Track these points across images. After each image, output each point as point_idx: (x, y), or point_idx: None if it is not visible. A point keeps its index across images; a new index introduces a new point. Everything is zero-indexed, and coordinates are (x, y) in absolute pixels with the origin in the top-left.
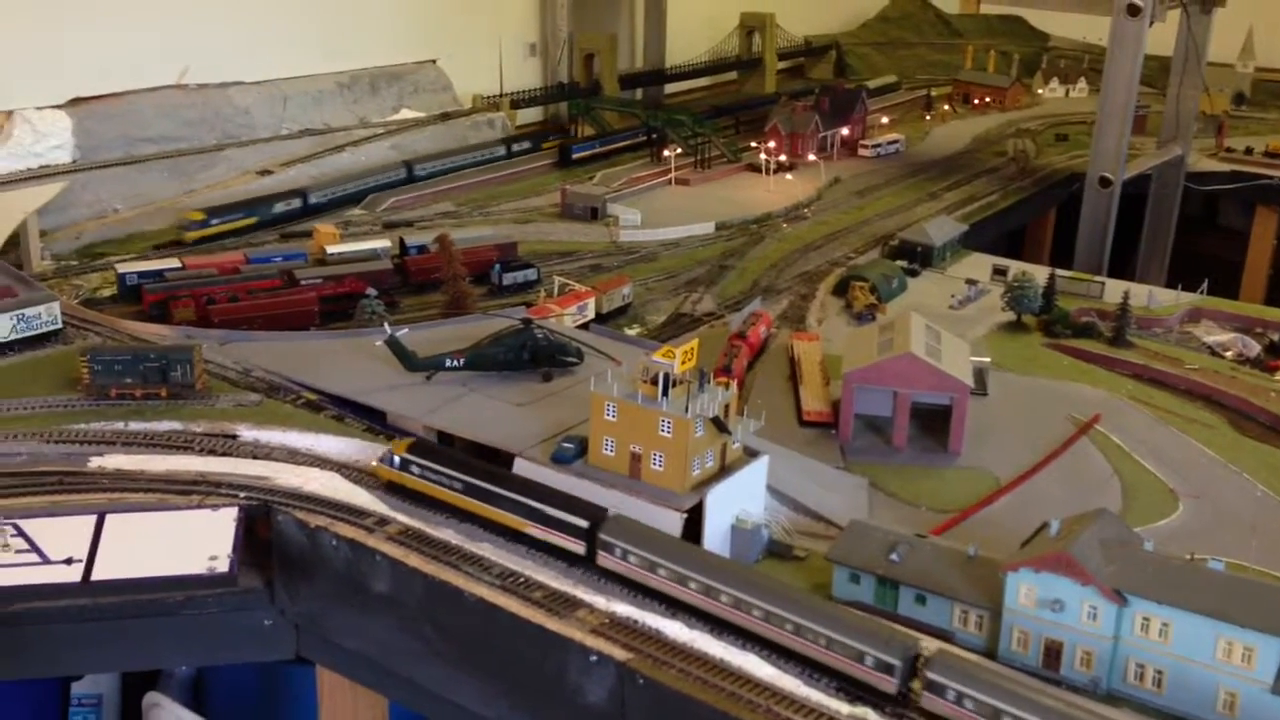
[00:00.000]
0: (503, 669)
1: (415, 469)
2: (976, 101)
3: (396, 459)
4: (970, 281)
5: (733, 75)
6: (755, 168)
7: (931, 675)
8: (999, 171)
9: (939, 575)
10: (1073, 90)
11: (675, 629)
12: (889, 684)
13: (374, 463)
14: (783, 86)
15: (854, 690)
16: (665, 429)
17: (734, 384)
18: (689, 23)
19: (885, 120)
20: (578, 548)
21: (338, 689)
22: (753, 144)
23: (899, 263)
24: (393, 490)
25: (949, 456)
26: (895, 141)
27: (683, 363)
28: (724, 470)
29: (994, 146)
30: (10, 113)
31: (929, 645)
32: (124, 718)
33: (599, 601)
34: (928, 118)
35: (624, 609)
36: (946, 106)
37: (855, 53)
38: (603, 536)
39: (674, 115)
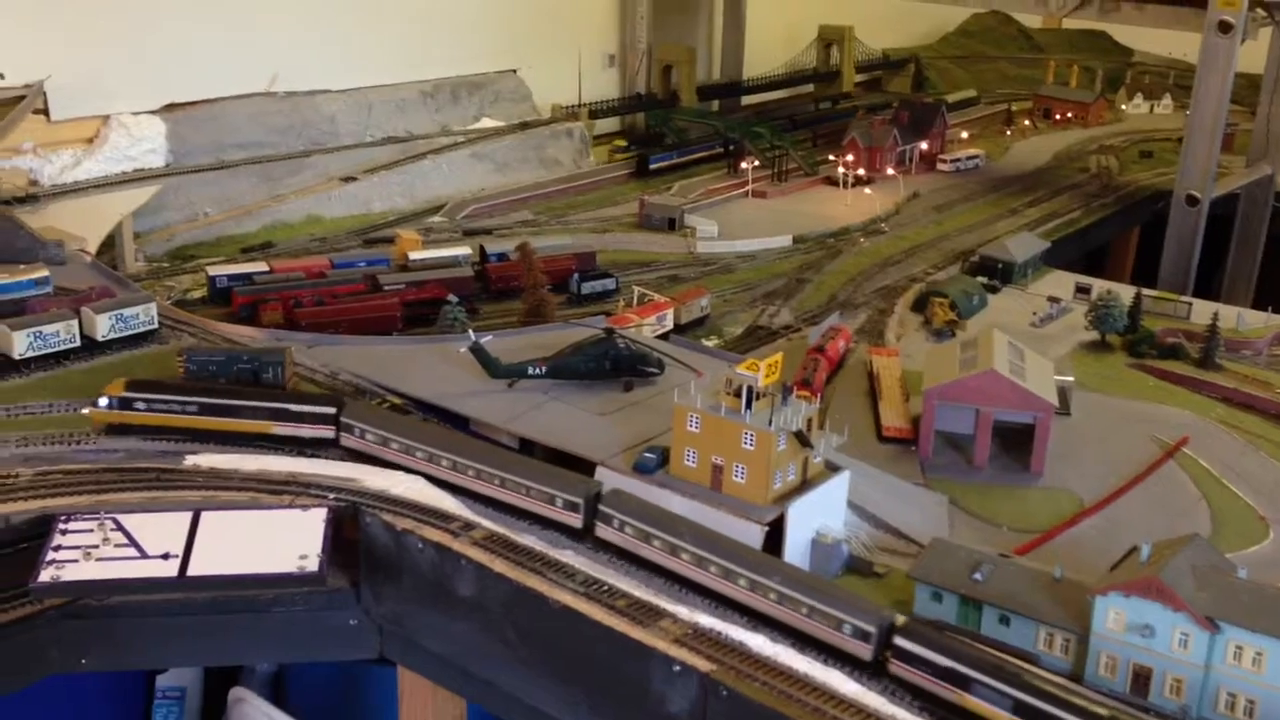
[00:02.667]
0: (584, 675)
1: (140, 404)
2: (1058, 117)
3: (113, 400)
4: (1053, 299)
5: (809, 88)
6: (832, 181)
7: (900, 643)
8: (1081, 188)
9: (1024, 596)
10: (1157, 106)
11: (759, 642)
12: (865, 650)
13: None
14: (860, 100)
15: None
16: (748, 442)
17: (816, 398)
18: (767, 35)
19: (965, 135)
20: None
21: (418, 690)
22: (830, 157)
23: (979, 279)
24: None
25: (1031, 476)
26: (975, 157)
27: (767, 376)
28: (805, 484)
29: (1076, 163)
30: (107, 117)
31: (901, 617)
32: (204, 712)
33: (681, 612)
34: (1008, 133)
35: (707, 620)
36: (1027, 122)
37: (934, 66)
38: None
39: (752, 127)
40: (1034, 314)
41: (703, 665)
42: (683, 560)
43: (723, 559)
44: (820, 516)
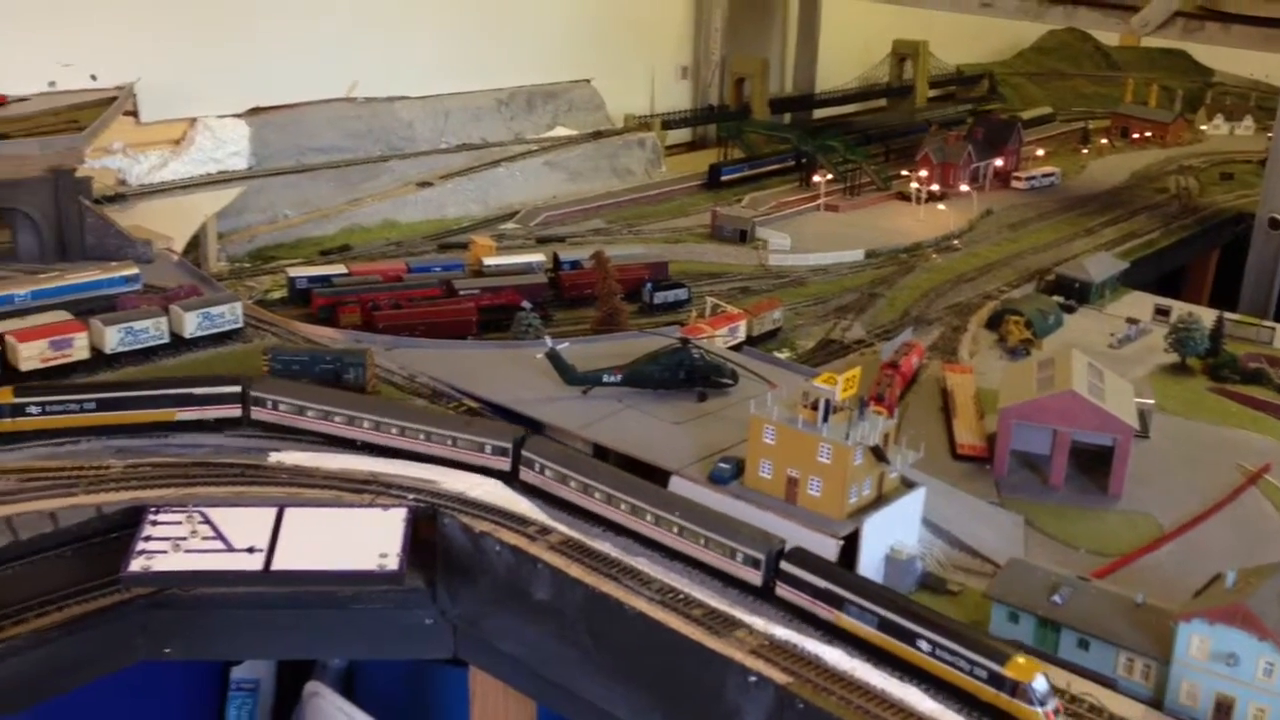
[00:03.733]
0: (658, 683)
1: (34, 409)
2: (1136, 136)
3: (4, 408)
4: (1131, 320)
5: (882, 102)
6: (905, 196)
7: (786, 568)
8: (1160, 209)
9: (1104, 620)
10: (1238, 128)
11: (835, 656)
12: (755, 576)
13: None
14: (933, 115)
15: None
16: (824, 455)
17: (895, 413)
18: (841, 48)
19: (1040, 152)
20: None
21: (490, 691)
22: (903, 172)
23: (1055, 298)
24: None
25: (1108, 499)
26: (1051, 174)
27: (844, 390)
28: (881, 499)
29: (1155, 183)
30: (194, 120)
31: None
32: (276, 705)
33: (757, 623)
34: (1084, 151)
35: (783, 633)
36: (1104, 140)
37: (1009, 83)
38: None
39: (826, 141)
40: (1111, 335)
41: (779, 677)
42: (596, 499)
43: (631, 497)
44: (895, 532)
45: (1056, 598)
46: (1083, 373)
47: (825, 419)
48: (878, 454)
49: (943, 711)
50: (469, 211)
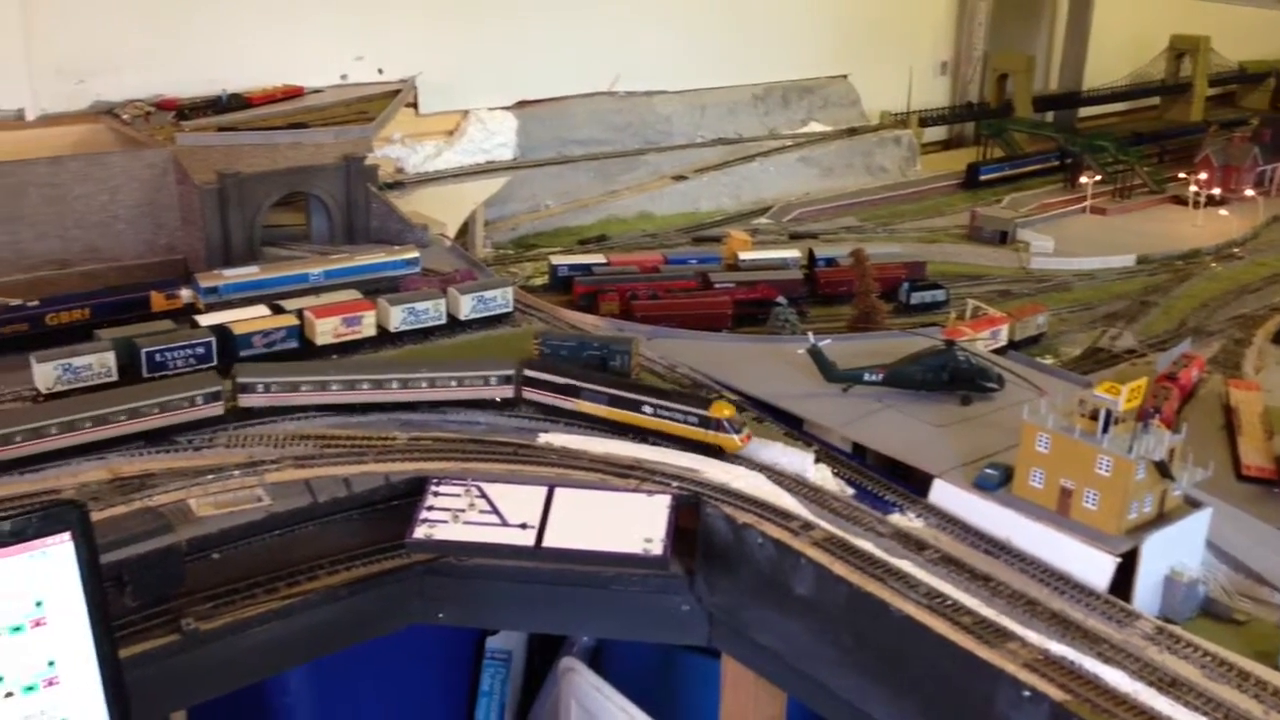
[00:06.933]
0: (921, 687)
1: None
2: None
3: None
4: None
5: (1154, 101)
6: (1180, 200)
7: (527, 373)
8: None
9: None
10: None
11: (1116, 677)
12: (509, 390)
13: None
14: (1212, 115)
15: None
16: (1104, 468)
17: (1181, 428)
18: (1112, 44)
19: None
20: None
21: (740, 680)
22: (1180, 175)
23: None
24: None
25: None
26: None
27: (1128, 401)
28: (1162, 517)
29: None
30: (466, 112)
31: None
32: (526, 677)
33: (1031, 636)
34: None
35: (1058, 648)
36: None
37: None
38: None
39: (1095, 140)
40: None
41: (1055, 694)
42: (336, 391)
43: (376, 373)
44: (1176, 553)
45: None
46: None
47: (1105, 430)
48: (1162, 469)
49: None
50: (721, 205)
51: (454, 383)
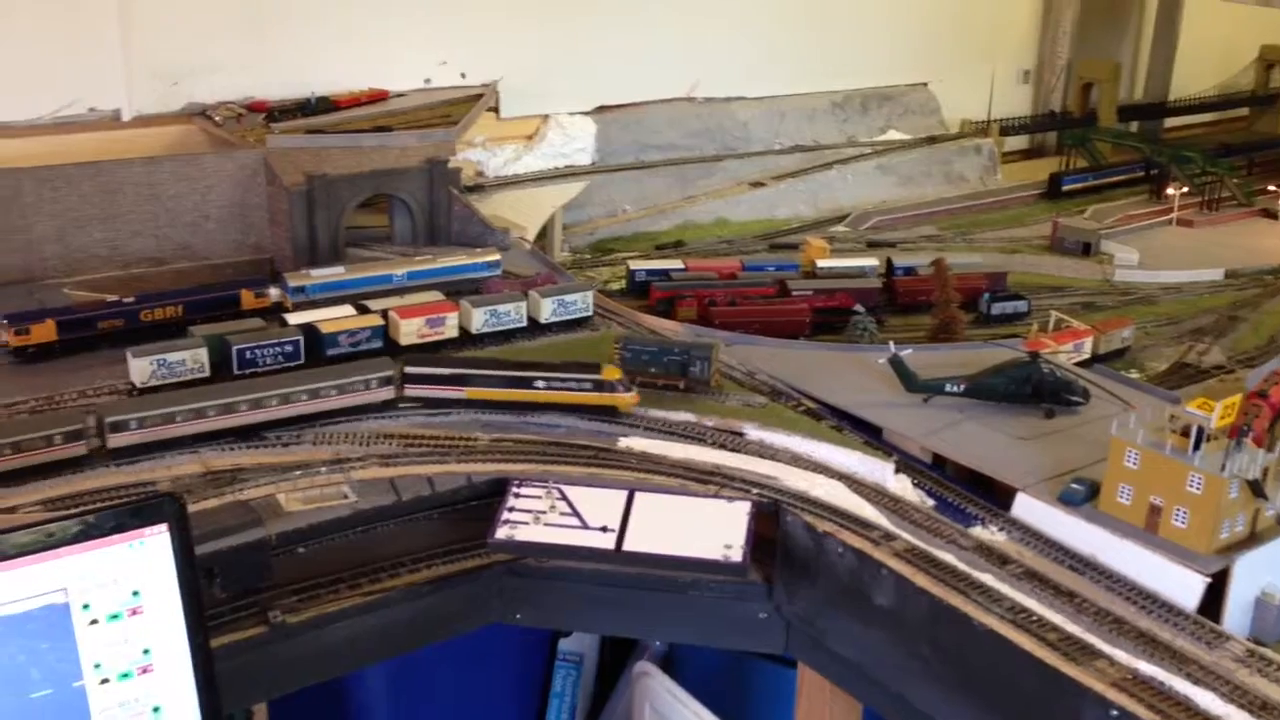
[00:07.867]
0: (1005, 703)
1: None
2: None
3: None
4: None
5: (1242, 111)
6: (1269, 213)
7: (409, 370)
8: None
9: None
10: None
11: (1207, 699)
12: (391, 392)
13: None
14: None
15: None
16: (1195, 485)
17: (1275, 446)
18: (1200, 53)
19: None
20: None
21: (816, 690)
22: (1270, 188)
23: None
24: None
25: None
26: None
27: (1221, 418)
28: (1254, 538)
29: None
30: (546, 117)
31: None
32: (598, 679)
33: (1119, 655)
34: None
35: (1147, 668)
36: None
37: None
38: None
39: (1182, 151)
40: None
41: (1145, 714)
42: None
43: (245, 394)
44: (1268, 574)
45: None
46: None
47: (1197, 447)
48: (1255, 489)
49: None
50: (798, 212)
51: (334, 392)
